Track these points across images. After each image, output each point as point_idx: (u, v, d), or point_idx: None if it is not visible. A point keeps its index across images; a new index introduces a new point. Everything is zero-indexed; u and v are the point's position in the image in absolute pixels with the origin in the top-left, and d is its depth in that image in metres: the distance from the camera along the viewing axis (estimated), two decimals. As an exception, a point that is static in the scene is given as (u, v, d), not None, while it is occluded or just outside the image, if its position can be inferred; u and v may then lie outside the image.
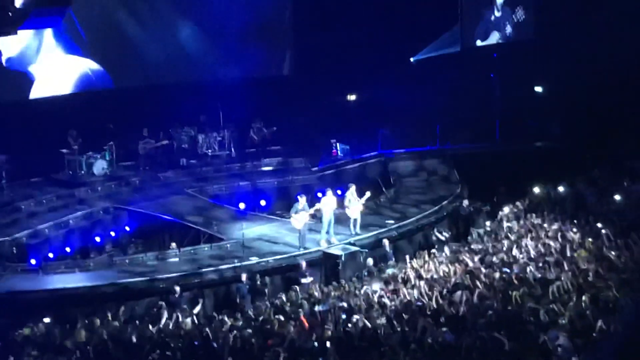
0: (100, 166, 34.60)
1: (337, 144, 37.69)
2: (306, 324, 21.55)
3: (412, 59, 40.80)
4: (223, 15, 38.50)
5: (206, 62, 38.82)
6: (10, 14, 22.25)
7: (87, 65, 36.70)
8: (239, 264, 27.31)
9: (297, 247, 28.63)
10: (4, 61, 34.31)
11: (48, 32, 35.16)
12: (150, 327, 22.73)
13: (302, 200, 28.82)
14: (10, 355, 20.60)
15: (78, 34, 36.11)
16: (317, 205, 28.90)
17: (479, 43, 40.66)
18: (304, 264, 27.25)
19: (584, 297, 20.52)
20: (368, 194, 29.98)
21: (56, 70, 35.97)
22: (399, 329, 20.46)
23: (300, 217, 28.46)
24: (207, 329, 22.05)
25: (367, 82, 38.78)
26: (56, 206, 32.24)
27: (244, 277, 26.42)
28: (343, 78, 39.09)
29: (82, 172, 34.61)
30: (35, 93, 35.65)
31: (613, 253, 23.59)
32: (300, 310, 23.26)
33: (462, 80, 38.90)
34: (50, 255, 29.48)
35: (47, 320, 23.61)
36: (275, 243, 29.29)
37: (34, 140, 33.47)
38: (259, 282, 26.45)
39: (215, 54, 38.83)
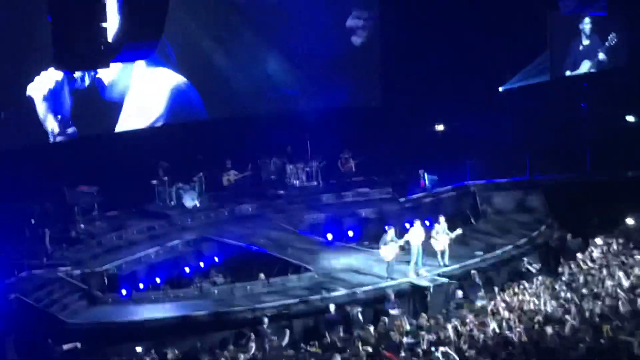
0: (190, 197, 35.01)
1: (425, 174, 37.59)
2: (390, 357, 21.53)
3: (500, 89, 40.60)
4: (310, 44, 38.80)
5: (294, 93, 39.12)
6: (102, 47, 22.77)
7: (179, 79, 37.25)
8: (327, 295, 27.35)
9: (384, 278, 28.59)
10: (103, 92, 35.13)
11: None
12: (240, 357, 22.93)
13: (391, 231, 28.81)
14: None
15: (167, 57, 36.77)
16: (406, 237, 28.87)
17: (568, 73, 40.33)
18: (392, 295, 27.22)
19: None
20: (460, 230, 29.84)
21: (149, 85, 36.59)
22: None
23: (389, 248, 28.46)
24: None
25: (455, 112, 38.65)
26: (146, 237, 32.68)
27: (332, 307, 26.47)
28: (431, 108, 39.06)
29: (172, 203, 35.06)
30: (126, 114, 36.27)
31: None
32: (387, 342, 23.26)
33: (551, 109, 38.60)
34: (141, 285, 29.91)
35: (138, 349, 23.96)
36: (363, 274, 29.26)
37: (124, 172, 34.03)
38: (349, 314, 26.46)
39: (302, 84, 39.14)
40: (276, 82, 38.93)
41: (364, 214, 35.26)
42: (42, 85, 33.84)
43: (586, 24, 40.03)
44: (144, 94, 36.59)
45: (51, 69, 32.85)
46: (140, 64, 35.55)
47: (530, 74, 40.08)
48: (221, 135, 37.03)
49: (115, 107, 36.08)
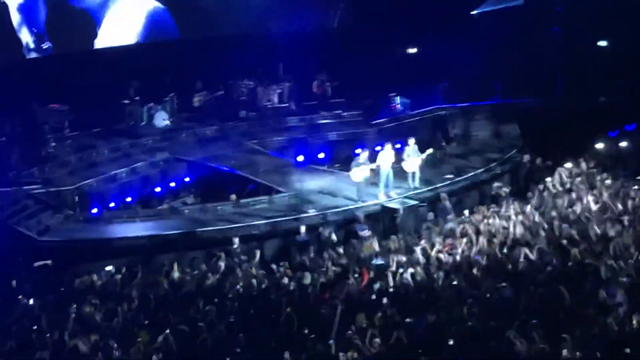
0: (161, 117, 34.86)
1: (397, 98, 37.54)
2: (365, 277, 21.71)
3: (473, 12, 40.41)
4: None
5: (266, 14, 38.77)
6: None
7: (155, 4, 36.97)
8: (297, 216, 27.43)
9: (355, 200, 28.67)
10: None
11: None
12: (209, 277, 23.03)
13: (363, 154, 28.81)
14: (72, 302, 20.99)
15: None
16: (377, 160, 28.88)
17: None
18: (362, 217, 27.32)
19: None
20: (430, 150, 29.89)
21: (124, 8, 36.30)
22: (455, 284, 20.54)
23: (360, 170, 28.47)
24: (265, 280, 22.32)
25: (427, 36, 38.49)
26: (117, 156, 32.61)
27: (302, 229, 26.56)
28: (404, 31, 38.86)
29: (143, 122, 34.91)
30: (102, 39, 35.99)
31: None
32: (357, 262, 23.43)
33: (524, 33, 38.49)
34: (112, 204, 29.90)
35: (108, 268, 24.01)
36: (334, 196, 29.29)
37: (96, 91, 33.81)
38: (320, 234, 26.60)
39: (275, 5, 38.77)
40: (249, 2, 38.54)
41: (335, 136, 35.24)
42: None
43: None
44: (120, 17, 36.25)
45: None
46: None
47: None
48: (192, 57, 36.77)
49: (89, 21, 35.71)
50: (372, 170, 28.64)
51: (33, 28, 34.21)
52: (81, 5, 35.51)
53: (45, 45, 34.50)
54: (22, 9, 33.80)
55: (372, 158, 29.06)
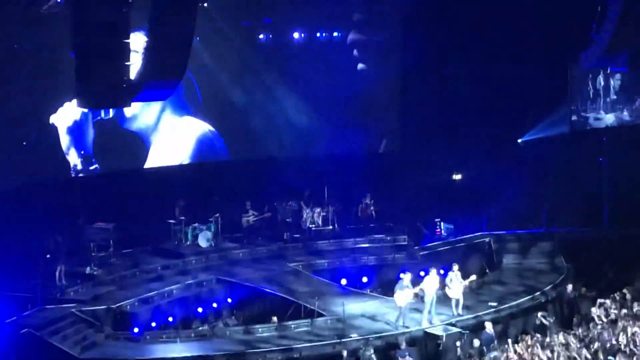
0: (205, 237, 35.06)
1: (442, 223, 37.59)
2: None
3: (520, 140, 40.62)
4: (331, 89, 39.03)
5: (312, 137, 39.20)
6: (125, 85, 23.01)
7: (205, 127, 37.50)
8: (340, 341, 27.25)
9: (396, 325, 28.45)
10: (125, 124, 35.43)
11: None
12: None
13: (407, 277, 28.75)
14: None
15: (195, 97, 37.14)
16: (421, 284, 28.80)
17: (591, 120, 40.24)
18: (404, 342, 27.09)
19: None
20: (473, 277, 29.78)
21: (175, 132, 36.85)
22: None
23: (403, 294, 28.38)
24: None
25: (473, 162, 38.68)
26: (161, 276, 32.71)
27: (345, 353, 26.36)
28: (450, 157, 39.09)
29: (188, 242, 35.12)
30: (152, 161, 36.52)
31: None
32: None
33: (570, 162, 38.58)
34: (153, 324, 29.88)
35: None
36: (376, 321, 29.12)
37: (142, 210, 34.17)
38: (361, 356, 26.40)
39: (322, 128, 39.20)
40: (297, 125, 39.02)
41: (380, 260, 35.19)
42: (66, 116, 34.18)
43: (616, 80, 40.06)
44: (171, 141, 36.90)
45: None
46: (168, 112, 36.12)
47: (550, 126, 40.06)
48: (240, 177, 37.21)
49: (137, 143, 36.33)
50: (415, 294, 28.52)
51: (81, 150, 34.80)
52: (132, 128, 36.12)
53: (92, 167, 35.04)
54: (70, 131, 34.47)
55: (417, 283, 29.00)
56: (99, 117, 34.99)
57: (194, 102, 37.40)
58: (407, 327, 28.37)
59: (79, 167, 34.82)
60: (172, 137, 37.11)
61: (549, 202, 37.59)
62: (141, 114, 36.18)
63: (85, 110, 33.92)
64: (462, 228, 37.37)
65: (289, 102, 39.05)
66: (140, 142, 36.54)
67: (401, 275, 29.01)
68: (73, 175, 34.80)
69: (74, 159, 34.77)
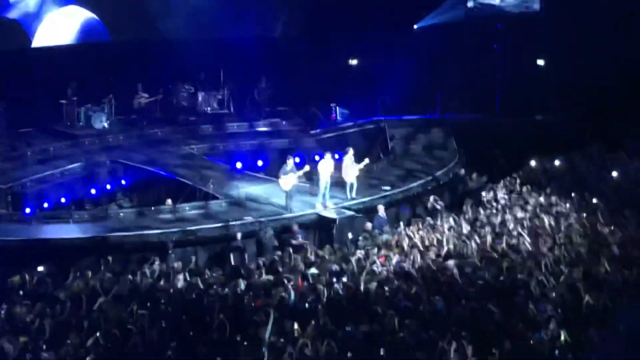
0: (99, 119, 34.60)
1: (337, 108, 37.70)
2: (300, 285, 21.69)
3: (415, 26, 40.68)
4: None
5: (210, 19, 38.61)
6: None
7: (88, 15, 36.63)
8: (233, 223, 27.35)
9: (285, 209, 28.64)
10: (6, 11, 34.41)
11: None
12: (143, 281, 22.87)
13: (290, 162, 28.81)
14: (1, 302, 20.72)
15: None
16: (306, 168, 28.92)
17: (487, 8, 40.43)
18: (296, 226, 27.32)
19: (575, 271, 20.71)
20: (366, 160, 30.01)
21: (56, 20, 35.93)
22: (389, 294, 20.62)
23: (288, 178, 28.49)
24: (198, 285, 22.21)
25: (370, 47, 38.68)
26: (53, 157, 32.28)
27: (238, 235, 26.51)
28: (346, 42, 39.00)
29: (81, 123, 34.61)
30: (37, 43, 35.59)
31: (607, 229, 23.75)
32: (291, 271, 23.41)
33: (465, 49, 38.84)
34: (45, 205, 29.59)
35: (40, 269, 23.73)
36: (269, 204, 29.24)
37: (33, 90, 33.49)
38: (261, 237, 26.60)
39: (219, 11, 38.62)
40: (192, 6, 38.34)
41: (274, 144, 35.25)
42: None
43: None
44: (54, 30, 35.93)
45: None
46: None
47: (445, 12, 40.16)
48: (135, 59, 36.55)
49: (20, 30, 35.33)
50: (299, 177, 28.62)
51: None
52: (8, 16, 35.02)
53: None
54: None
55: (311, 167, 29.15)
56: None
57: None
58: (292, 210, 28.52)
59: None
60: (55, 26, 36.05)
61: (443, 89, 37.93)
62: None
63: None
64: (357, 113, 37.56)
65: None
66: (20, 29, 35.47)
67: (288, 159, 29.04)
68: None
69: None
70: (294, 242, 26.48)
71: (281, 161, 30.19)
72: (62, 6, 36.31)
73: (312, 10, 39.16)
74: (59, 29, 36.14)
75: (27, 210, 28.13)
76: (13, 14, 35.25)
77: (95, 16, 36.84)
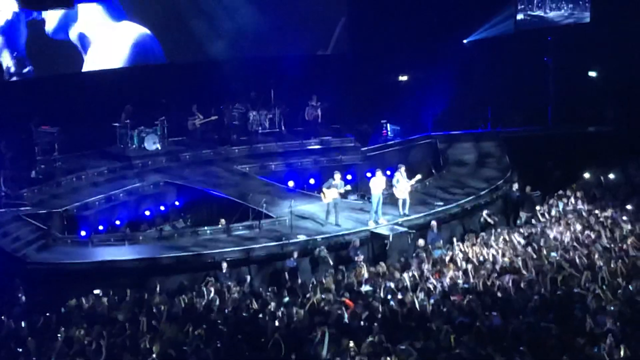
0: (151, 141, 34.80)
1: (388, 125, 37.67)
2: (350, 304, 21.62)
3: (465, 41, 40.53)
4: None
5: (257, 38, 38.69)
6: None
7: (141, 31, 36.85)
8: (287, 241, 27.35)
9: (320, 223, 28.64)
10: (48, 31, 34.64)
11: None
12: (198, 301, 22.94)
13: (337, 176, 28.79)
14: (60, 325, 20.87)
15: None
16: (347, 187, 28.87)
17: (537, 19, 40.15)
18: (357, 241, 27.27)
19: (633, 284, 20.46)
20: (419, 176, 29.93)
21: (109, 39, 36.18)
22: (444, 310, 20.51)
23: (329, 192, 28.48)
24: (254, 305, 22.24)
25: (419, 63, 38.61)
26: (107, 180, 32.53)
27: (295, 254, 26.49)
28: (396, 58, 38.96)
29: (134, 146, 34.85)
30: (89, 65, 35.87)
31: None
32: (346, 289, 23.37)
33: (515, 62, 38.64)
34: (100, 227, 29.81)
35: (96, 292, 23.88)
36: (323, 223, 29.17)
37: (86, 113, 33.79)
38: (315, 255, 26.60)
39: (269, 30, 38.67)
40: (241, 27, 38.42)
41: (326, 162, 35.26)
42: (-2, 15, 33.45)
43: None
44: (107, 46, 36.18)
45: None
46: (102, 19, 35.47)
47: (495, 25, 39.94)
48: (184, 80, 36.73)
49: (72, 46, 35.58)
50: (340, 193, 28.55)
51: (14, 52, 34.06)
52: (59, 37, 35.31)
53: (26, 69, 34.36)
54: (2, 31, 33.66)
55: (363, 184, 29.16)
56: (31, 17, 34.16)
57: (130, 4, 36.61)
58: (326, 223, 28.57)
59: (12, 69, 34.10)
60: (108, 42, 36.29)
61: (494, 103, 37.77)
62: (75, 16, 35.31)
63: (17, 9, 33.25)
64: (408, 129, 37.49)
65: (236, 3, 38.29)
66: (74, 46, 35.78)
67: (334, 174, 29.01)
68: (7, 78, 34.10)
69: (7, 61, 34.01)
70: (356, 258, 26.39)
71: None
72: (117, 21, 36.48)
73: (362, 27, 39.12)
74: (112, 47, 36.30)
75: (83, 233, 28.38)
76: (61, 36, 35.46)
77: (148, 31, 36.97)
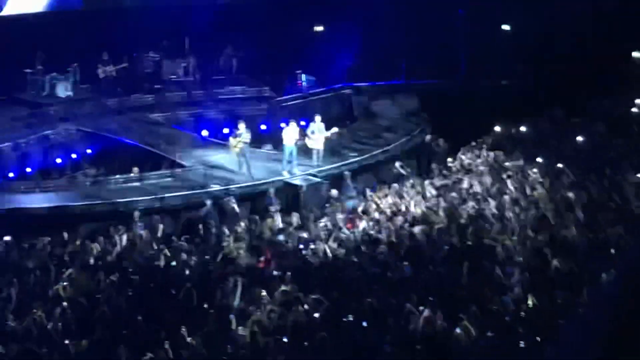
0: (63, 87, 34.26)
1: (303, 75, 37.53)
2: (267, 254, 21.66)
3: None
4: None
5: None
6: None
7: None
8: (201, 190, 27.22)
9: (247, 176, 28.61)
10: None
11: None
12: (110, 250, 22.77)
13: (242, 126, 28.61)
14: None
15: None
16: (245, 139, 28.67)
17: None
18: (272, 191, 27.20)
19: (541, 236, 20.77)
20: (335, 129, 29.92)
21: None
22: (357, 260, 20.63)
23: (235, 141, 28.41)
24: (166, 254, 22.13)
25: (334, 13, 38.43)
26: (18, 126, 31.98)
27: (208, 202, 26.35)
28: (310, 8, 38.73)
29: (45, 92, 34.27)
30: (8, 9, 35.14)
31: (572, 193, 23.82)
32: (259, 239, 23.39)
33: (429, 14, 38.67)
34: (11, 175, 29.35)
35: (6, 239, 23.55)
36: (235, 172, 29.07)
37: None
38: (223, 206, 26.49)
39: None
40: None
41: (240, 112, 35.02)
42: None
43: None
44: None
45: None
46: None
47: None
48: (96, 27, 36.12)
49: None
50: (244, 143, 28.40)
51: None
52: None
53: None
54: None
55: (277, 134, 29.08)
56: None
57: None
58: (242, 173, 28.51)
59: None
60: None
61: (408, 55, 37.80)
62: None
63: None
64: (323, 80, 37.41)
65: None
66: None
67: (238, 124, 28.86)
68: None
69: None
70: (270, 208, 26.36)
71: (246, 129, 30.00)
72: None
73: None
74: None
75: (-7, 179, 27.96)
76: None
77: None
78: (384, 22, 37.80)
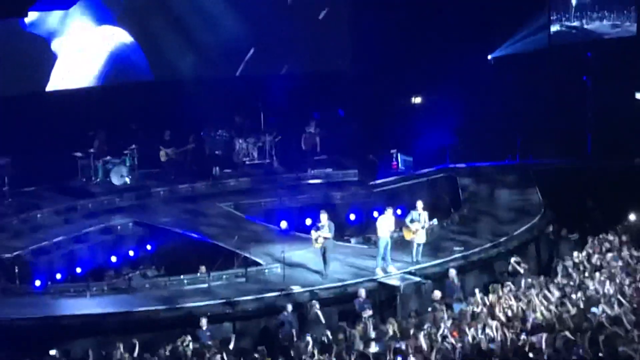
0: (118, 173, 34.83)
1: (399, 155, 37.70)
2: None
3: (489, 57, 40.71)
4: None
5: (248, 55, 38.81)
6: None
7: (121, 37, 36.88)
8: (279, 294, 27.32)
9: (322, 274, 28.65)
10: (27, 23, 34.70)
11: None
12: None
13: (324, 217, 28.61)
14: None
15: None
16: (325, 233, 28.64)
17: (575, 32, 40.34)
18: (363, 291, 27.16)
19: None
20: (434, 221, 29.90)
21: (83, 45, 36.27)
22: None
23: (316, 236, 28.46)
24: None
25: (435, 84, 38.70)
26: (67, 219, 32.53)
27: (289, 308, 26.37)
28: (407, 78, 39.05)
29: (98, 179, 34.87)
30: (54, 83, 35.90)
31: None
32: (351, 349, 23.33)
33: (548, 83, 38.75)
34: (58, 276, 29.77)
35: (52, 353, 23.81)
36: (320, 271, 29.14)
37: (42, 141, 33.79)
38: (306, 313, 26.50)
39: (257, 46, 38.78)
40: (231, 42, 38.53)
41: (326, 199, 35.25)
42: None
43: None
44: (82, 52, 36.21)
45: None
46: (82, 20, 35.56)
47: (524, 39, 40.12)
48: (159, 101, 36.73)
49: (41, 62, 35.64)
50: (325, 238, 28.42)
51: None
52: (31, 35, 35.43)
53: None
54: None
55: (369, 225, 29.13)
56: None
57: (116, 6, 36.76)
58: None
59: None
60: (85, 49, 36.32)
61: (524, 130, 37.81)
62: (43, 20, 35.37)
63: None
64: (422, 161, 37.52)
65: (224, 17, 38.37)
66: (40, 55, 35.82)
67: (320, 214, 28.91)
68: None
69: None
70: (362, 313, 26.30)
71: (331, 219, 30.12)
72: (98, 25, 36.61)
73: (366, 41, 39.21)
74: (86, 58, 36.35)
75: (37, 283, 28.32)
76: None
77: (132, 40, 37.00)
78: (495, 91, 37.93)
